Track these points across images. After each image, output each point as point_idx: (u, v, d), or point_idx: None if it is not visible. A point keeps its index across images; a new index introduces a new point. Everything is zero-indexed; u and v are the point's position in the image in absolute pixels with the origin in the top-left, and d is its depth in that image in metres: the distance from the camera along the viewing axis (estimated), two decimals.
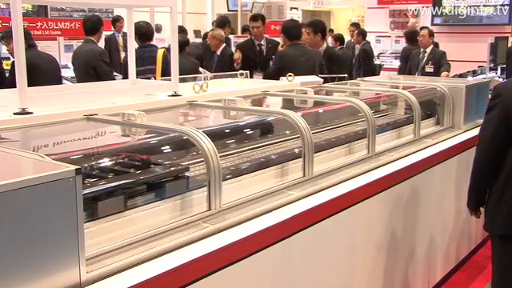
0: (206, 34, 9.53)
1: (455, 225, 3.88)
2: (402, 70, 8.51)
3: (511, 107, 2.60)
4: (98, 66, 5.62)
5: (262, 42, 6.54)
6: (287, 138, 2.95)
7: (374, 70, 9.05)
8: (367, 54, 9.19)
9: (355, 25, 10.54)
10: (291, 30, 5.87)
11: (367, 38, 10.01)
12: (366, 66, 9.10)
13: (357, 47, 9.76)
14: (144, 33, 5.96)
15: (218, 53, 6.96)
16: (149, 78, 5.24)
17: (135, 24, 5.80)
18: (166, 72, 5.84)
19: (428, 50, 7.92)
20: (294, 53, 5.74)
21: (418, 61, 8.00)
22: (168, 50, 6.63)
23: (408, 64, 8.32)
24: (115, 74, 6.62)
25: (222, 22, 8.62)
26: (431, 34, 8.04)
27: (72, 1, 6.61)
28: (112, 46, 9.06)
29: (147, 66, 5.81)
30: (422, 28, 8.73)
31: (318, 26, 6.52)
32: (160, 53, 6.01)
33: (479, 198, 2.83)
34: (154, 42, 6.38)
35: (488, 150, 2.71)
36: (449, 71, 7.65)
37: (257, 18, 6.74)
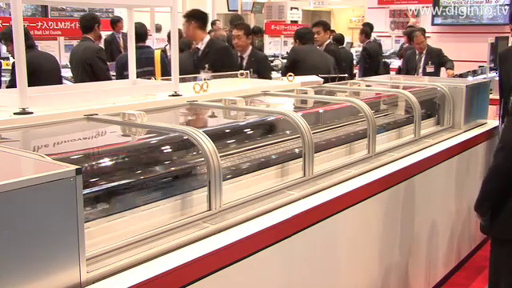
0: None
1: (455, 225, 3.88)
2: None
3: None
4: (94, 64, 5.60)
5: (199, 45, 5.33)
6: (287, 137, 2.95)
7: (376, 69, 9.01)
8: (367, 53, 9.18)
9: (365, 24, 10.34)
10: (305, 35, 6.20)
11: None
12: (366, 64, 9.09)
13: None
14: (137, 33, 5.93)
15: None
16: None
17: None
18: (164, 73, 5.83)
19: (424, 51, 7.89)
20: (306, 48, 6.01)
21: (415, 62, 7.95)
22: (164, 50, 6.63)
23: (405, 66, 8.30)
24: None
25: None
26: (425, 34, 8.03)
27: (72, 1, 6.60)
28: (113, 47, 9.04)
29: (145, 67, 5.80)
30: (412, 31, 8.62)
31: (327, 24, 7.16)
32: (157, 54, 6.02)
33: (492, 204, 2.71)
34: (154, 42, 6.38)
35: None
36: (453, 68, 7.61)
37: (186, 15, 5.48)
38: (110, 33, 9.40)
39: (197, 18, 5.22)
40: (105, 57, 5.86)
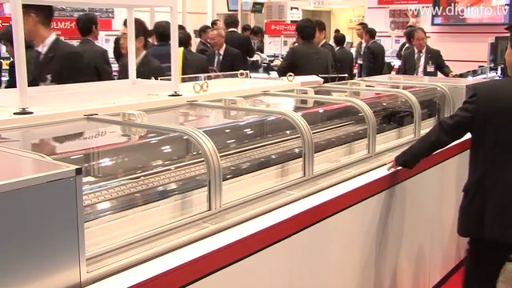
0: (201, 30, 9.44)
1: (455, 224, 3.87)
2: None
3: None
4: (100, 66, 5.61)
5: (40, 48, 3.72)
6: (287, 137, 2.95)
7: (381, 70, 9.02)
8: (372, 53, 9.19)
9: (365, 25, 10.40)
10: (305, 29, 6.04)
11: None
12: (370, 63, 9.10)
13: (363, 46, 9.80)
14: (162, 32, 5.90)
15: (222, 52, 6.96)
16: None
17: (156, 23, 5.83)
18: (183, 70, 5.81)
19: (423, 49, 7.88)
20: (305, 50, 5.92)
21: (414, 61, 7.95)
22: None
23: (403, 66, 8.30)
24: None
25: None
26: (425, 33, 8.05)
27: (72, 1, 6.60)
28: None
29: (168, 63, 5.77)
30: (412, 31, 8.63)
31: (322, 24, 7.11)
32: (180, 51, 5.98)
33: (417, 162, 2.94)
34: (154, 42, 6.36)
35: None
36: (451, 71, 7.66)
37: (24, 5, 3.33)
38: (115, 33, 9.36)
39: (38, 9, 3.59)
40: (109, 59, 5.87)
